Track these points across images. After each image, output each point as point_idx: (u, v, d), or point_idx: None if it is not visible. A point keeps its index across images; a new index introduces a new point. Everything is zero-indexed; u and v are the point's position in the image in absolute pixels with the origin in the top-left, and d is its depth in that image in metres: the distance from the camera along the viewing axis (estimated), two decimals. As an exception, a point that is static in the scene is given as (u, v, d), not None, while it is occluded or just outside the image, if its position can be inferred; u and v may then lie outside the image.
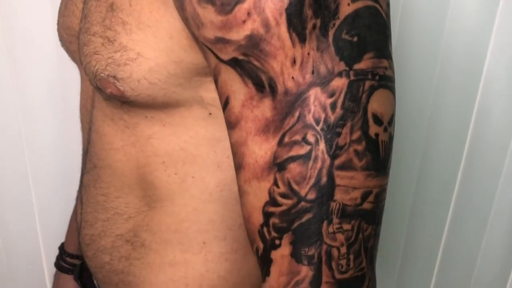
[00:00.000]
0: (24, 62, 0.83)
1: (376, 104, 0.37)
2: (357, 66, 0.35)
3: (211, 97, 0.43)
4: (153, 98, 0.42)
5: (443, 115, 0.84)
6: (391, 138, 0.39)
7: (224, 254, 0.50)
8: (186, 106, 0.44)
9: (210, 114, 0.44)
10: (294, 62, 0.35)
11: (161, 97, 0.42)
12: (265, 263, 0.39)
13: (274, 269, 0.38)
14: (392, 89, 0.38)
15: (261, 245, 0.39)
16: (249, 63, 0.35)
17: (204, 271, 0.50)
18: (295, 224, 0.37)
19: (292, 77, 0.35)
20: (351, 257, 0.38)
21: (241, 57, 0.36)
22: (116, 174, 0.50)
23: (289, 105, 0.36)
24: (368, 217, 0.38)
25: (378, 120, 0.37)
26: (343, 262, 0.37)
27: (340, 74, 0.35)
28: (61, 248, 0.79)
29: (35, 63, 0.84)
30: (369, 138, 0.37)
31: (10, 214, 0.95)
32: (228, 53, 0.36)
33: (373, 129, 0.37)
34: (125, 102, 0.44)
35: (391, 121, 0.38)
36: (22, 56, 0.83)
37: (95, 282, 0.62)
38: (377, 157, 0.37)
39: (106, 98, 0.46)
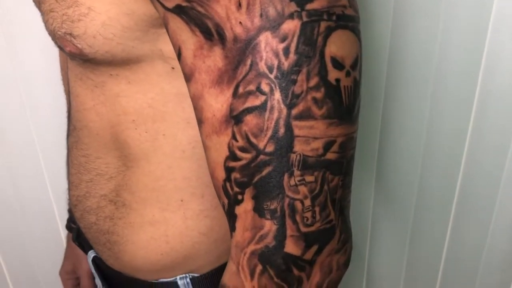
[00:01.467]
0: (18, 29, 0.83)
1: (334, 47, 0.34)
2: (309, 6, 0.32)
3: (171, 50, 0.40)
4: (112, 55, 0.41)
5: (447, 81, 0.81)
6: (356, 83, 0.36)
7: (203, 211, 0.49)
8: (147, 62, 0.42)
9: (172, 68, 0.42)
10: (239, 5, 0.32)
11: (120, 53, 0.41)
12: (230, 218, 0.38)
13: (239, 225, 0.38)
14: (354, 30, 0.35)
15: (226, 201, 0.38)
16: (193, 9, 0.33)
17: (184, 228, 0.49)
18: (256, 178, 0.35)
19: (240, 22, 0.32)
20: (317, 209, 0.36)
21: (184, 4, 0.33)
22: (92, 135, 0.49)
23: (240, 52, 0.33)
24: (333, 167, 0.36)
25: (338, 64, 0.34)
26: (308, 214, 0.36)
27: (291, 16, 0.32)
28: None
29: (30, 28, 0.83)
30: (328, 84, 0.34)
31: (22, 179, 0.98)
32: (171, 0, 0.34)
33: (333, 74, 0.34)
34: (86, 61, 0.43)
35: (355, 65, 0.35)
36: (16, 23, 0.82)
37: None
38: (340, 104, 0.35)
39: (71, 57, 0.45)
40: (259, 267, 0.37)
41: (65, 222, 0.92)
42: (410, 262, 0.97)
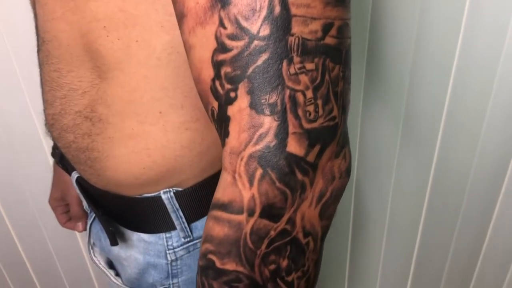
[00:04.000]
0: None
1: None
2: None
3: None
4: None
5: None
6: None
7: (183, 123, 0.46)
8: None
9: None
10: None
11: None
12: (222, 123, 0.34)
13: (233, 127, 0.33)
14: None
15: (215, 104, 0.34)
16: None
17: (165, 141, 0.47)
18: (250, 69, 0.31)
19: None
20: (319, 102, 0.32)
21: None
22: (63, 46, 0.45)
23: None
24: (333, 54, 0.32)
25: None
26: (311, 108, 0.32)
27: None
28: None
29: None
30: None
31: (6, 110, 0.95)
32: None
33: None
34: None
35: None
36: None
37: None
38: None
39: None
40: (259, 171, 0.33)
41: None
42: (402, 147, 0.96)
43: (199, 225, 0.53)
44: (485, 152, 0.92)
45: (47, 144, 0.99)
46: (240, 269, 0.35)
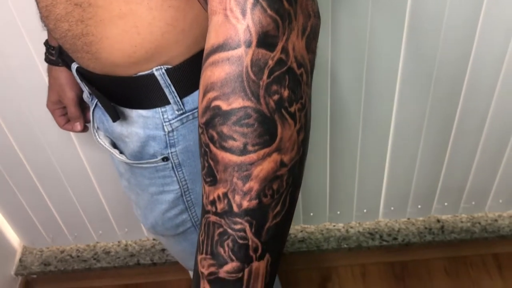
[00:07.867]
0: None
1: None
2: None
3: None
4: None
5: None
6: None
7: (166, 1, 0.50)
8: None
9: None
10: None
11: None
12: None
13: None
14: None
15: None
16: None
17: (151, 19, 0.51)
18: None
19: None
20: None
21: None
22: None
23: None
24: None
25: None
26: None
27: None
28: (46, 43, 0.82)
29: None
30: None
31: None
32: None
33: None
34: None
35: None
36: None
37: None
38: None
39: None
40: (250, 0, 0.35)
41: (42, 60, 0.94)
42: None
43: (190, 100, 0.60)
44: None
45: (37, 53, 1.02)
46: (247, 103, 0.36)
